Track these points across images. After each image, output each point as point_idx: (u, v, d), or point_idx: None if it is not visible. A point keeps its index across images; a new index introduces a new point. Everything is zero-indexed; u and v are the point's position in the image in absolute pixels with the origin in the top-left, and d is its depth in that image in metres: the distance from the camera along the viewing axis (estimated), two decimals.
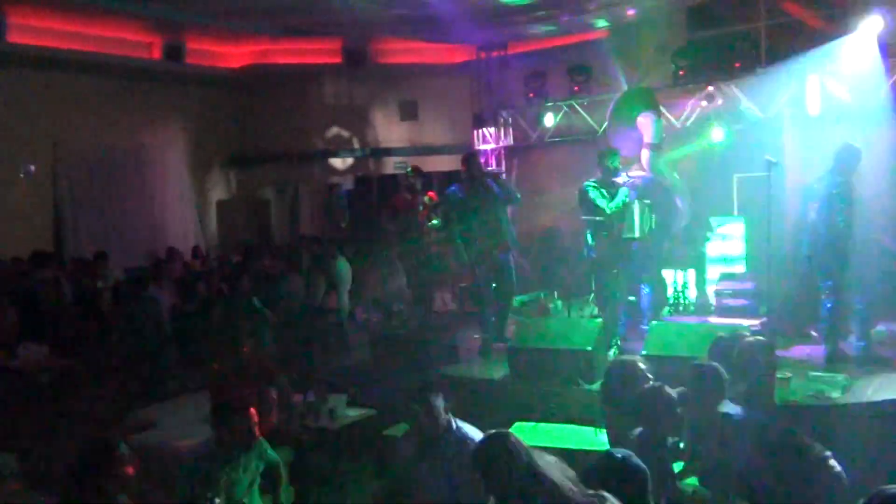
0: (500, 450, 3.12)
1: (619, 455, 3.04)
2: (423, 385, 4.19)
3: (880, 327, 7.38)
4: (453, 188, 7.56)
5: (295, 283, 9.73)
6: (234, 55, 13.75)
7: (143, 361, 7.83)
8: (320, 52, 13.43)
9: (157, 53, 12.49)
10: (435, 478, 3.94)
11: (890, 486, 2.62)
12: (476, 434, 3.97)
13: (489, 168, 11.65)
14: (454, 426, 4.05)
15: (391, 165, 14.30)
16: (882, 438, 5.18)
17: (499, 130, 12.05)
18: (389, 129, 14.41)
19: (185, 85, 13.58)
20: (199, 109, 14.00)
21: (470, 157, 7.81)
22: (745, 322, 7.31)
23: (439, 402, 4.03)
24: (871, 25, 8.43)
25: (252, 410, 4.24)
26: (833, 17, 9.20)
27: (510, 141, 12.23)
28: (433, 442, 4.01)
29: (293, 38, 12.77)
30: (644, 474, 2.95)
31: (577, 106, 11.09)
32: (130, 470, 3.42)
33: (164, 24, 11.71)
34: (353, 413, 6.26)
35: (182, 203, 13.77)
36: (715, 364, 4.46)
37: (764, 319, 7.55)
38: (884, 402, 5.57)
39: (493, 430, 3.28)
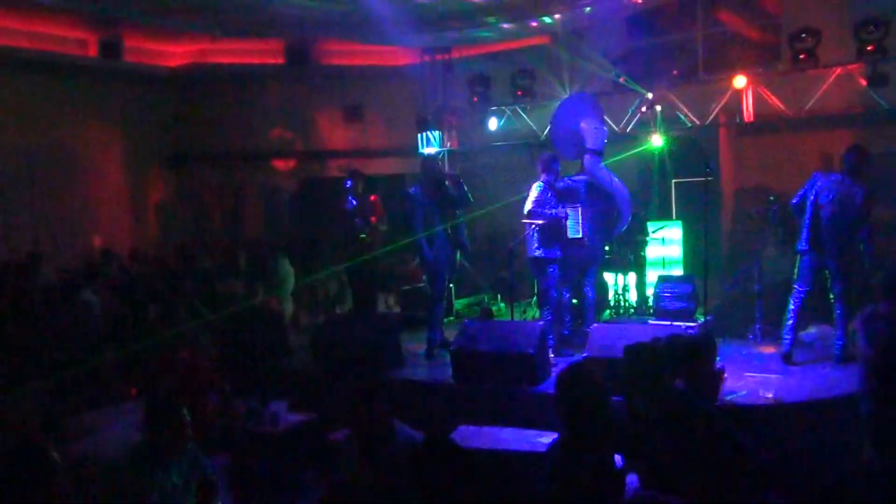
0: (440, 450, 3.13)
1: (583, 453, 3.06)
2: (366, 389, 4.16)
3: (812, 329, 7.63)
4: (414, 189, 7.70)
5: (236, 286, 9.58)
6: (174, 53, 13.49)
7: (76, 367, 7.60)
8: (262, 53, 13.27)
9: (93, 50, 12.17)
10: (379, 482, 3.92)
11: None
12: (420, 438, 3.97)
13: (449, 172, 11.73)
14: (398, 430, 4.03)
15: (335, 168, 14.20)
16: (815, 436, 5.36)
17: (443, 134, 12.08)
18: (333, 132, 14.31)
19: (123, 83, 13.26)
20: (136, 108, 13.68)
21: (428, 160, 8.28)
22: (683, 323, 7.47)
23: (382, 407, 4.02)
24: (800, 39, 8.73)
25: (184, 411, 4.15)
26: (765, 29, 9.50)
27: (454, 144, 12.27)
28: (377, 446, 3.99)
29: (234, 38, 12.58)
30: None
31: (520, 111, 11.19)
32: (62, 480, 3.31)
33: (101, 21, 11.40)
34: (296, 418, 6.18)
35: (119, 203, 13.46)
36: (647, 342, 4.56)
37: (701, 321, 7.74)
38: (820, 401, 5.77)
39: (433, 432, 3.28)
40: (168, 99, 14.14)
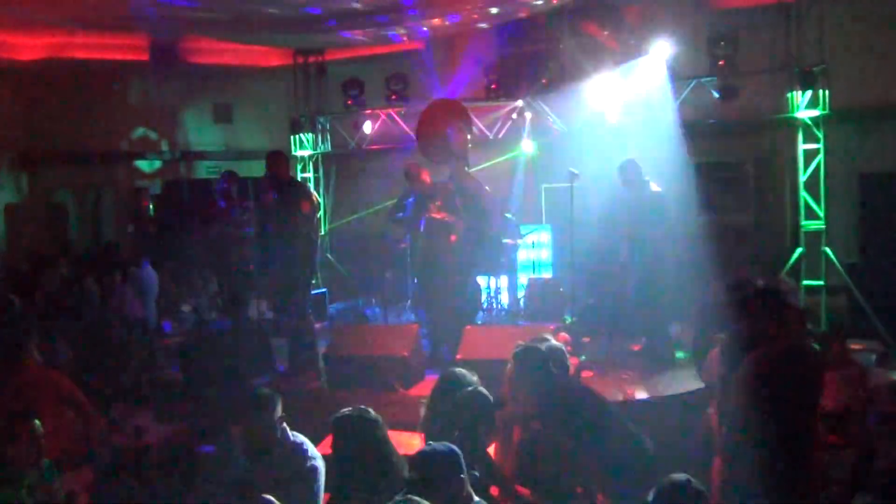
0: (362, 419, 3.58)
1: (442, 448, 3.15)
2: (256, 395, 4.09)
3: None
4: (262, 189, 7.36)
5: (97, 294, 9.12)
6: (27, 46, 12.64)
7: None
8: (125, 48, 12.65)
9: None
10: (267, 488, 3.84)
11: (677, 475, 2.87)
12: (308, 443, 3.94)
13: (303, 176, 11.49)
14: (288, 437, 3.98)
15: (203, 170, 13.76)
16: (674, 427, 5.67)
17: (317, 136, 11.94)
18: (202, 132, 13.85)
19: None
20: None
21: (272, 155, 7.20)
22: (552, 325, 7.72)
23: (272, 413, 3.95)
24: (659, 50, 9.20)
25: (35, 424, 3.92)
26: (628, 41, 9.97)
27: (328, 147, 12.17)
28: (264, 453, 3.91)
29: (94, 32, 11.94)
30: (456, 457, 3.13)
31: (394, 115, 11.22)
32: None
33: None
34: (162, 429, 5.95)
35: None
36: (534, 345, 4.69)
37: (568, 321, 8.02)
38: (679, 394, 6.13)
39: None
40: (19, 94, 13.26)
